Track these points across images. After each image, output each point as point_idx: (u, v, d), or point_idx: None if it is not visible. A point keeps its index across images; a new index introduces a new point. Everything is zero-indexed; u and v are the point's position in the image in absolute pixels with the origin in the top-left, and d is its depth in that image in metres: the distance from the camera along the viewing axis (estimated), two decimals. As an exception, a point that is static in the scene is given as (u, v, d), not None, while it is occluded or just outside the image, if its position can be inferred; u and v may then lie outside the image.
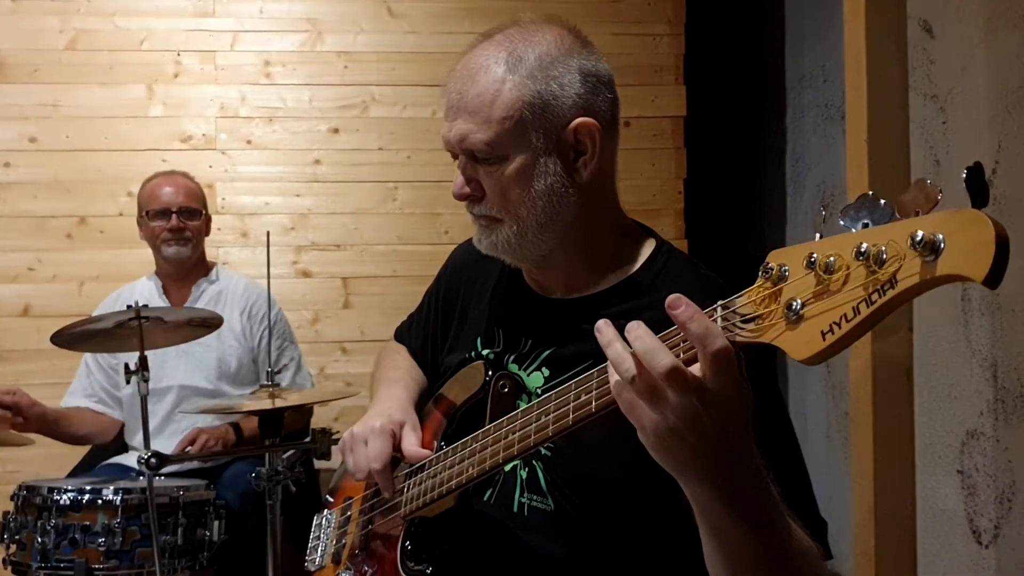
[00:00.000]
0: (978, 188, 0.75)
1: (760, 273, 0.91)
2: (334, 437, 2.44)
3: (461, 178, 1.32)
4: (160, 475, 2.68)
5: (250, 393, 2.50)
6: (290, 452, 2.39)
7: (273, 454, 2.32)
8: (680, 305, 0.91)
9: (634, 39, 3.63)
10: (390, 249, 3.62)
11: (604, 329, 0.97)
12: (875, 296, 0.80)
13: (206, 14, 3.54)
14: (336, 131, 3.58)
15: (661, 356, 0.91)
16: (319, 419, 3.28)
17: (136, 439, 2.97)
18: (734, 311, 0.93)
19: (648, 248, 1.38)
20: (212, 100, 3.54)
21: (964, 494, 2.78)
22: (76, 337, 2.39)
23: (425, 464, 1.38)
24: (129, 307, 2.25)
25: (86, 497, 2.33)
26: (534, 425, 1.16)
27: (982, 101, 2.70)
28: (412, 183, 3.62)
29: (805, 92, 3.77)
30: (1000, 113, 2.63)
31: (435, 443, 1.41)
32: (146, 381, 2.18)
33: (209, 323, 2.47)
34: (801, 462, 1.25)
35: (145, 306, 2.28)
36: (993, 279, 0.72)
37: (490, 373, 1.38)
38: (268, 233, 2.50)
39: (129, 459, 2.95)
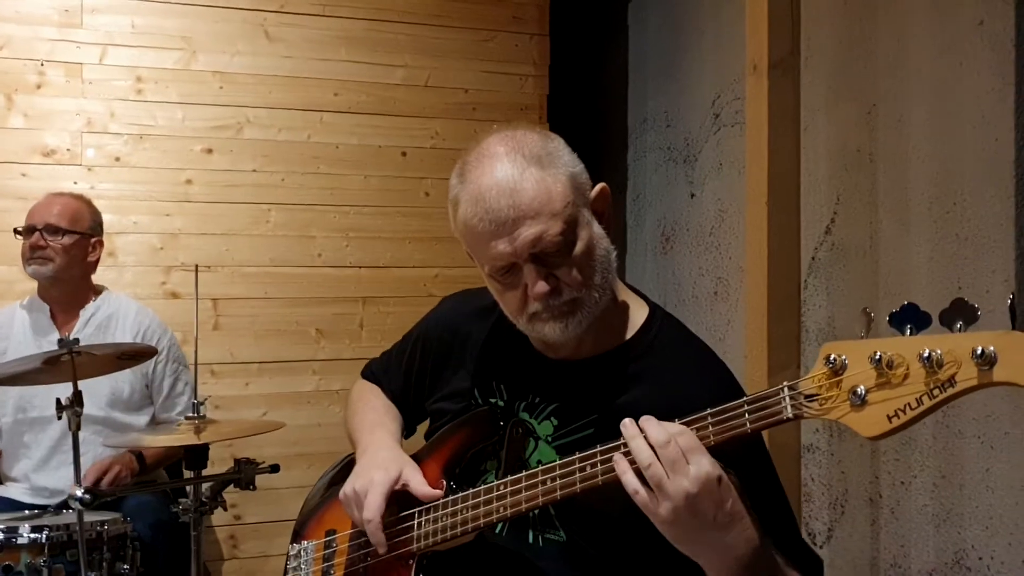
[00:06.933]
0: (1018, 314, 1.01)
1: (823, 362, 1.14)
2: (259, 467, 2.49)
3: (539, 279, 1.40)
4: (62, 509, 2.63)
5: (176, 425, 2.49)
6: (211, 483, 2.42)
7: (197, 486, 2.34)
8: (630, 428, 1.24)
9: (502, 78, 3.85)
10: (262, 271, 3.62)
11: (629, 425, 1.24)
12: (936, 391, 1.05)
13: (72, 25, 3.41)
14: (209, 151, 3.55)
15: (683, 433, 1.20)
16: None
17: (16, 470, 2.87)
18: (799, 392, 1.16)
19: (642, 313, 1.57)
20: (78, 114, 3.41)
21: (801, 501, 3.19)
22: (5, 378, 2.30)
23: (438, 503, 1.49)
24: (60, 341, 2.20)
25: (6, 536, 2.25)
26: (578, 475, 1.33)
27: (823, 159, 3.12)
28: (286, 205, 3.65)
29: (647, 134, 4.13)
30: (839, 171, 3.05)
31: (442, 481, 1.53)
32: (78, 416, 2.15)
33: (139, 355, 2.44)
34: (790, 511, 1.51)
35: (76, 340, 2.24)
36: None
37: (504, 419, 1.53)
38: (196, 267, 2.49)
39: (9, 491, 2.84)
